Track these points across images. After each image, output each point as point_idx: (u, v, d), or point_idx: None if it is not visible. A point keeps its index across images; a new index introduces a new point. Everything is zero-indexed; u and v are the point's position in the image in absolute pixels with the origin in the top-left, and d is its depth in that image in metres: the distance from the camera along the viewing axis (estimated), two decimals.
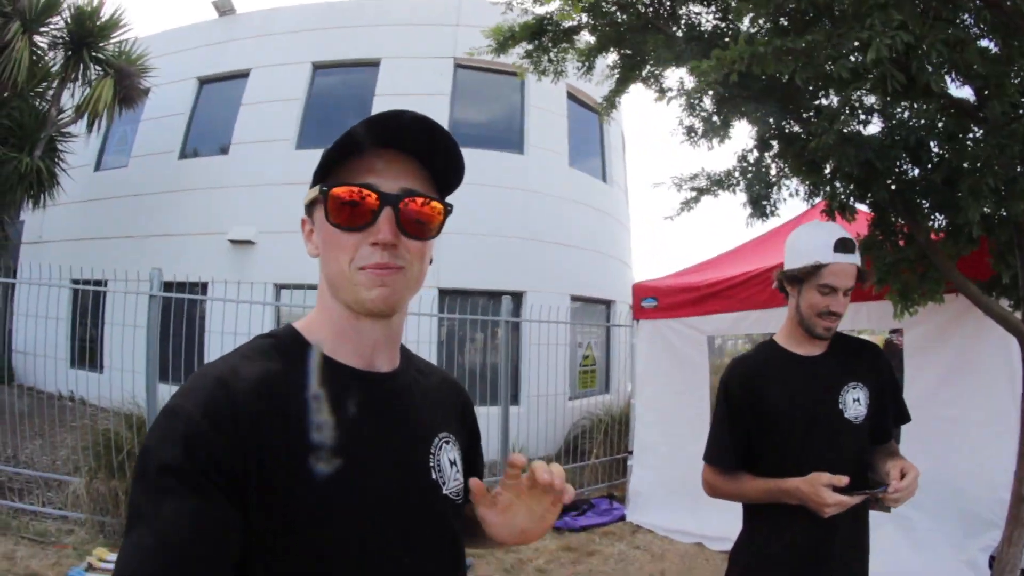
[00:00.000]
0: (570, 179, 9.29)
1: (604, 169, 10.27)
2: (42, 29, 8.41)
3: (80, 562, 3.92)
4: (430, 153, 0.88)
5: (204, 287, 7.06)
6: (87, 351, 8.36)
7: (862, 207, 2.88)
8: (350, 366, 0.88)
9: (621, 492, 6.01)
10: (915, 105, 2.39)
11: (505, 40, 2.97)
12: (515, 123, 9.11)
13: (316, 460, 0.78)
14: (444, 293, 8.27)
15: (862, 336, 4.17)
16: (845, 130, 2.27)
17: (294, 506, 0.76)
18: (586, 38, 3.05)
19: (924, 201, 2.50)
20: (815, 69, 1.85)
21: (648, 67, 2.75)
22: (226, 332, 5.30)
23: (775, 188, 2.82)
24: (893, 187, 2.55)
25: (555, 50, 3.05)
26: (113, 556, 3.79)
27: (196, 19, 11.26)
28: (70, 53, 8.74)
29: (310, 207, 0.91)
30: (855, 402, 1.88)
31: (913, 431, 3.82)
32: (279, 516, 0.75)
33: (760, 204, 2.82)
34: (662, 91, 2.80)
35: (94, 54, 8.87)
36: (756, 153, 2.81)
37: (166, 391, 3.89)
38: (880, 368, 1.99)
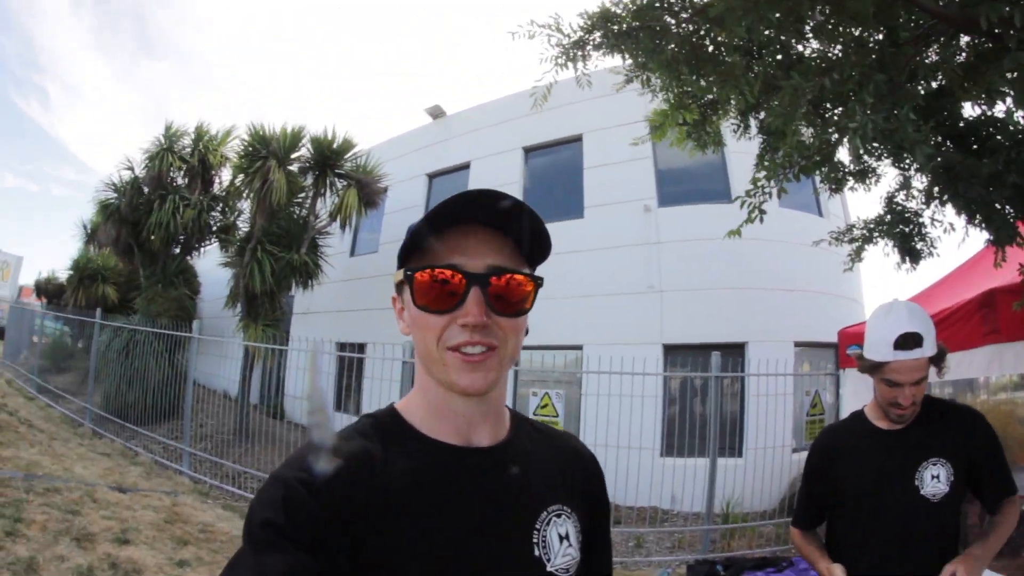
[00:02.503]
0: (781, 219, 9.25)
1: (818, 203, 10.08)
2: (292, 159, 11.39)
3: None
4: (515, 226, 0.88)
5: None
6: (350, 398, 10.35)
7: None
8: (447, 443, 0.91)
9: None
10: None
11: (659, 127, 3.39)
12: (718, 173, 9.43)
13: (408, 537, 0.81)
14: (668, 349, 8.85)
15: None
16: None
17: None
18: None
19: None
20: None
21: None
22: None
23: (924, 227, 2.81)
24: None
25: (709, 124, 3.34)
26: None
27: (416, 123, 13.71)
28: (317, 173, 11.70)
29: (400, 286, 0.94)
30: (934, 479, 1.88)
31: None
32: None
33: (908, 247, 2.82)
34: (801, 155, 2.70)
35: (336, 171, 11.77)
36: (902, 192, 2.89)
37: None
38: (973, 438, 1.97)
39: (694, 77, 2.52)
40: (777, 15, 2.14)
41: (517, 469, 0.94)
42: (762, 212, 2.54)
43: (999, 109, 2.36)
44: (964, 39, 2.15)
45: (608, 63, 3.18)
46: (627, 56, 2.64)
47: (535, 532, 0.92)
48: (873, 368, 1.94)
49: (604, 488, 1.12)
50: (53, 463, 6.89)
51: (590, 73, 2.96)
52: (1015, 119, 2.32)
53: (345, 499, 0.79)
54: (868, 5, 1.99)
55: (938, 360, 1.92)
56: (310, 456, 0.81)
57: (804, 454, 6.78)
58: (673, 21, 2.52)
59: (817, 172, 2.35)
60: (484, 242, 0.88)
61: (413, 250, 0.90)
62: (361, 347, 10.62)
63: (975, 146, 2.49)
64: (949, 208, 2.72)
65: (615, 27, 2.59)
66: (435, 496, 0.85)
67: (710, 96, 3.25)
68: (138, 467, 8.07)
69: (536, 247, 0.92)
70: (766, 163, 2.27)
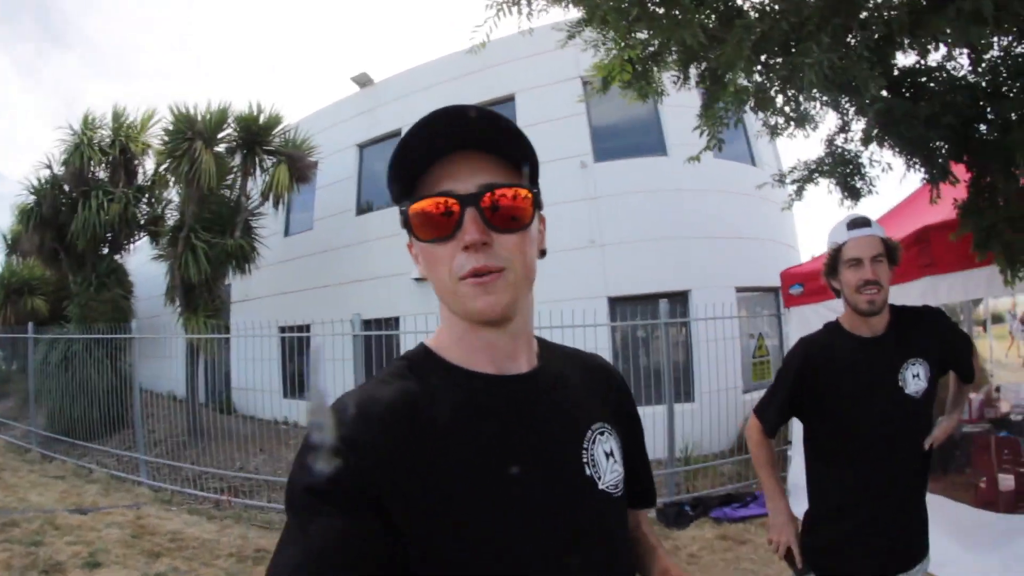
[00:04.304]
0: (717, 170, 9.40)
1: (751, 153, 10.36)
2: (218, 139, 10.91)
3: None
4: (499, 142, 0.86)
5: (396, 320, 8.94)
6: (297, 383, 10.23)
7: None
8: (484, 373, 0.90)
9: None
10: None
11: (605, 81, 3.42)
12: (653, 127, 9.60)
13: (458, 473, 0.80)
14: (613, 301, 9.09)
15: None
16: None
17: (442, 523, 0.77)
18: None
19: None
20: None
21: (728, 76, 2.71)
22: None
23: (863, 166, 2.90)
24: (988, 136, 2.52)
25: (649, 75, 3.39)
26: None
27: (343, 93, 13.26)
28: (245, 152, 11.22)
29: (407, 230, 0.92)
30: (915, 378, 2.04)
31: None
32: (428, 534, 0.76)
33: (849, 186, 2.92)
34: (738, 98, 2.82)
35: (265, 148, 11.30)
36: (842, 135, 2.99)
37: None
38: (941, 333, 2.16)
39: (643, 23, 2.55)
40: None
41: (557, 391, 0.95)
42: (720, 141, 2.65)
43: (932, 58, 2.49)
44: None
45: (546, 20, 3.17)
46: (574, 4, 2.64)
47: (583, 452, 0.92)
48: (834, 261, 2.11)
49: (634, 404, 1.14)
50: (6, 495, 6.70)
51: (525, 30, 2.95)
52: (950, 66, 2.46)
53: (387, 446, 0.77)
54: None
55: (892, 251, 2.08)
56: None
57: (753, 395, 7.04)
58: None
59: (762, 113, 2.44)
60: (472, 163, 0.85)
61: (405, 192, 0.87)
62: (305, 328, 10.44)
63: (908, 92, 2.63)
64: (887, 150, 2.84)
65: None
66: (482, 427, 0.84)
67: (651, 48, 3.29)
68: (95, 485, 7.78)
69: (522, 155, 0.88)
70: (719, 103, 2.34)
